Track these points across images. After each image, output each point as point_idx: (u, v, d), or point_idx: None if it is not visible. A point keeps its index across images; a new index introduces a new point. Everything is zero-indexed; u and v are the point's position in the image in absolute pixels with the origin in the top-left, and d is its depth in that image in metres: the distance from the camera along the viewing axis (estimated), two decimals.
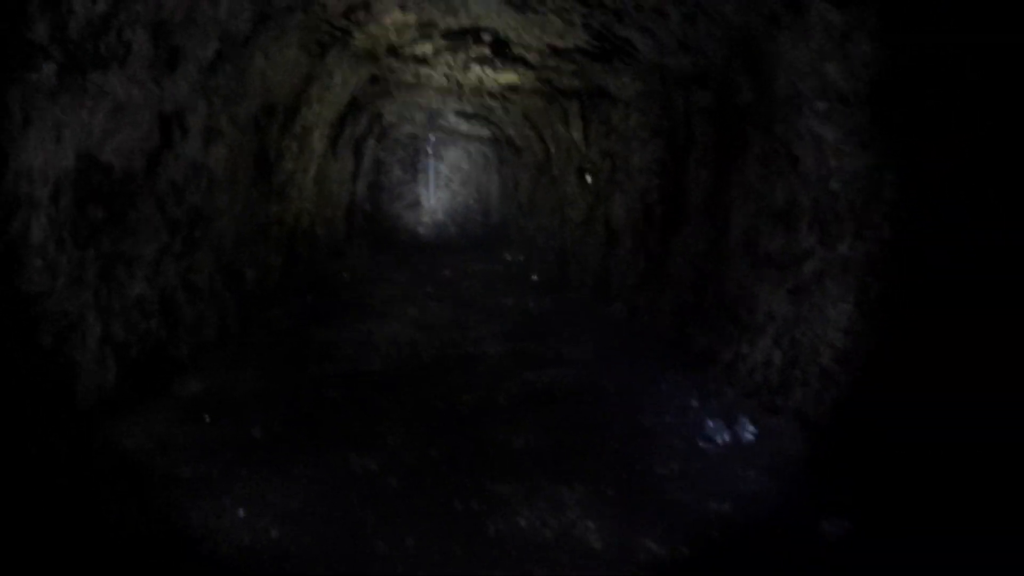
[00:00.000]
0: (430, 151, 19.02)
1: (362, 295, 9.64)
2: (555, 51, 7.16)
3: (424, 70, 9.53)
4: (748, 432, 4.47)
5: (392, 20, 7.12)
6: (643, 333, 7.39)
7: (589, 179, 9.41)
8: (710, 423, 4.58)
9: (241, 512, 3.38)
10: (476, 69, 9.21)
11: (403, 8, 6.70)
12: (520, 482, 3.87)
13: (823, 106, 4.33)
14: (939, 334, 3.44)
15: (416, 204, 19.19)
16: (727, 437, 4.44)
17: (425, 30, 7.51)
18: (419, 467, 4.05)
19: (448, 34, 7.66)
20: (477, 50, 8.21)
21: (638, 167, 7.68)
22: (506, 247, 16.29)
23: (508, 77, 9.23)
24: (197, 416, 4.57)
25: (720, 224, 5.87)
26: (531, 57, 7.78)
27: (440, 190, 19.39)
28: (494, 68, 8.99)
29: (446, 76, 9.97)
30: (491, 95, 11.06)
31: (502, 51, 7.94)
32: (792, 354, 4.68)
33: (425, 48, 8.24)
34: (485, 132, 16.41)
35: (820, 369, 4.38)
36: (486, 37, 7.63)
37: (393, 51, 8.36)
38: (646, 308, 7.59)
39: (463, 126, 16.16)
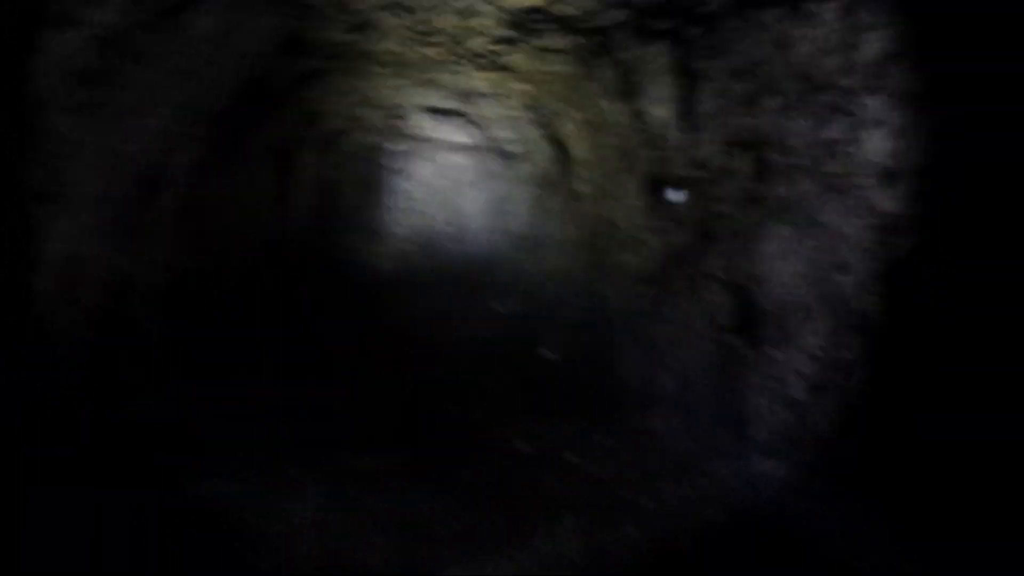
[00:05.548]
0: (393, 166, 14.19)
1: (218, 470, 3.88)
2: None
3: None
4: None
5: None
6: None
7: (680, 198, 4.55)
8: None
9: None
10: None
11: None
12: None
13: None
14: None
15: (376, 233, 14.27)
16: None
17: None
18: None
19: None
20: None
21: (869, 157, 2.81)
22: (494, 290, 11.41)
23: None
24: None
25: None
26: None
27: (407, 215, 14.63)
28: None
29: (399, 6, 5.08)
30: (480, 60, 6.20)
31: None
32: None
33: None
34: (465, 137, 11.59)
35: None
36: None
37: None
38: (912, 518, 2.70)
39: (436, 130, 11.34)
